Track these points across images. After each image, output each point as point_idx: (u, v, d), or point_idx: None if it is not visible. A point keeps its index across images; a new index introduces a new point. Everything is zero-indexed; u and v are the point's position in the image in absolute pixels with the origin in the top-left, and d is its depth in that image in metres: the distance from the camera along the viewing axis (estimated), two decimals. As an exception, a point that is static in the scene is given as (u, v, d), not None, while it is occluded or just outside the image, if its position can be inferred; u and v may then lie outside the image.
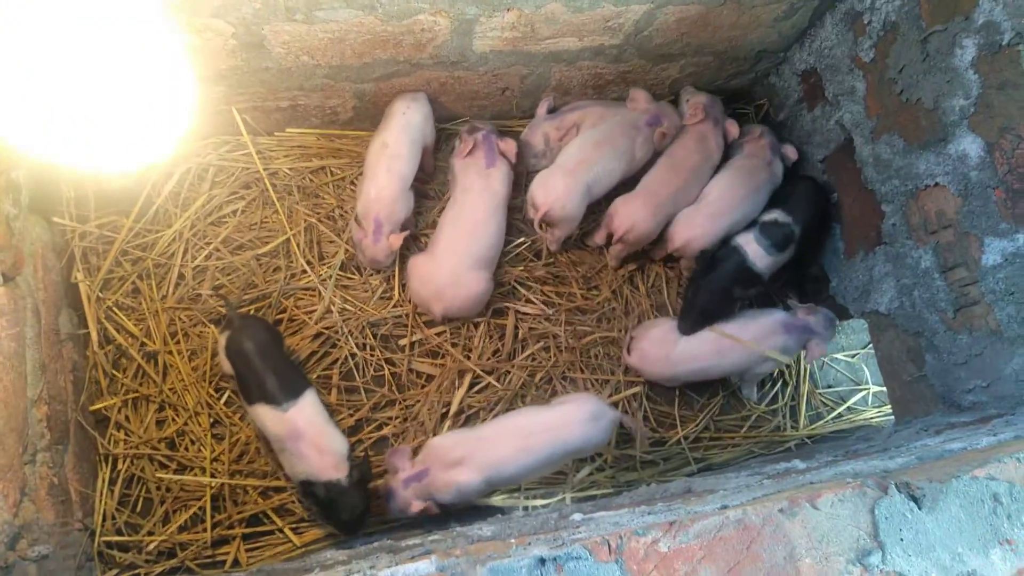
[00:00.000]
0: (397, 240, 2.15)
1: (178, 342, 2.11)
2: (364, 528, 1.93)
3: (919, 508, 0.88)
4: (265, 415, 1.86)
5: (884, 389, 2.31)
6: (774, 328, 2.22)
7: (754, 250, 2.21)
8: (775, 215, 2.26)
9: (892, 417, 2.27)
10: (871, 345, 2.26)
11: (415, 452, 1.98)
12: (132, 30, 1.27)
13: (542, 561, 0.82)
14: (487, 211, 2.19)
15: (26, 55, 1.21)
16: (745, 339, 2.20)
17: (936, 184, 1.91)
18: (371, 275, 2.29)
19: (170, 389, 2.06)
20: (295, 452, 1.83)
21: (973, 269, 1.83)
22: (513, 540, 1.00)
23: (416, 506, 1.85)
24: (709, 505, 0.93)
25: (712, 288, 2.20)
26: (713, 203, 2.29)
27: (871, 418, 2.48)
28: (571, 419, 1.92)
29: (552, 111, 2.43)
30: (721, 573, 0.81)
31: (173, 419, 2.05)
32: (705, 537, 0.83)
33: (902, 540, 0.86)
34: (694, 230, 2.27)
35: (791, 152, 2.40)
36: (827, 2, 2.17)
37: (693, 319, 2.22)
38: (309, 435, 1.84)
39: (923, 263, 1.99)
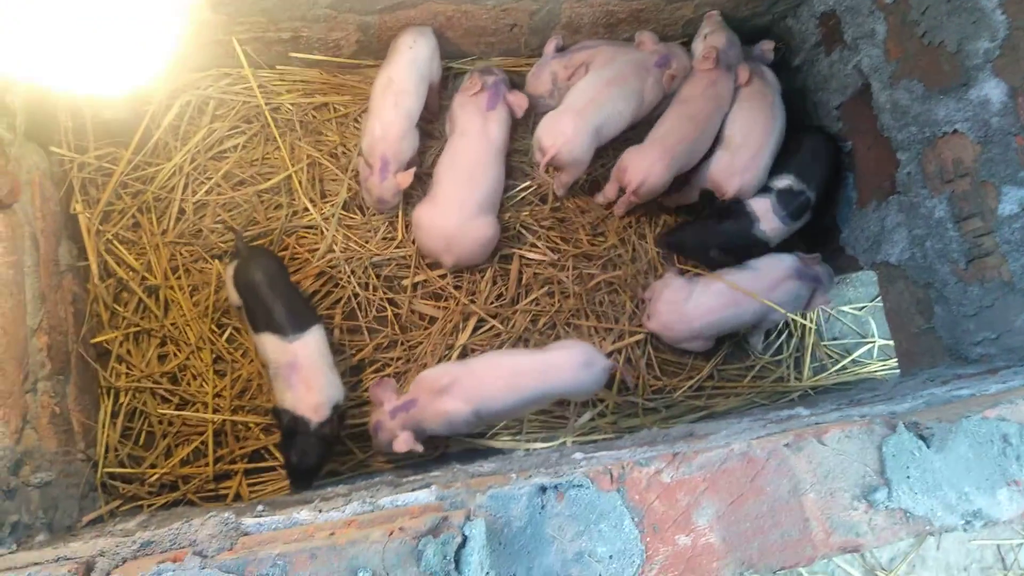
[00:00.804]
0: (405, 178, 2.10)
1: (179, 277, 2.09)
2: (307, 484, 1.86)
3: (927, 447, 0.87)
4: (269, 343, 1.85)
5: (890, 343, 2.30)
6: (787, 274, 2.19)
7: (769, 221, 2.20)
8: (789, 181, 2.21)
9: (898, 371, 2.26)
10: (879, 298, 2.23)
11: (402, 387, 1.97)
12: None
13: (543, 489, 0.81)
14: (484, 157, 2.15)
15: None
16: (759, 286, 2.16)
17: (955, 131, 1.85)
18: (374, 215, 2.26)
19: (172, 324, 2.05)
20: (287, 380, 1.82)
21: (988, 219, 1.79)
22: (514, 474, 1.00)
23: (402, 439, 1.81)
24: (713, 441, 0.91)
25: (707, 237, 2.24)
26: (746, 141, 2.22)
27: (876, 371, 2.47)
28: (563, 364, 1.91)
29: (560, 51, 2.36)
30: (723, 504, 0.80)
31: (175, 354, 2.05)
32: (708, 469, 0.82)
33: (909, 478, 0.85)
34: (743, 175, 2.21)
35: (767, 58, 2.40)
36: (852, -62, 2.08)
37: (668, 242, 2.32)
38: (305, 370, 1.82)
39: (937, 213, 1.95)
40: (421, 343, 2.20)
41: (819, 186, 2.22)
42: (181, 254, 2.11)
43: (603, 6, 2.26)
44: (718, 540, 0.79)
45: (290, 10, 2.04)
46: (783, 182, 2.21)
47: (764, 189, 2.23)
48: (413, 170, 2.14)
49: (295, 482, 1.87)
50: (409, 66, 2.12)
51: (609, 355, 2.26)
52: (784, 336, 2.47)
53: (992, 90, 1.74)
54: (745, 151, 2.22)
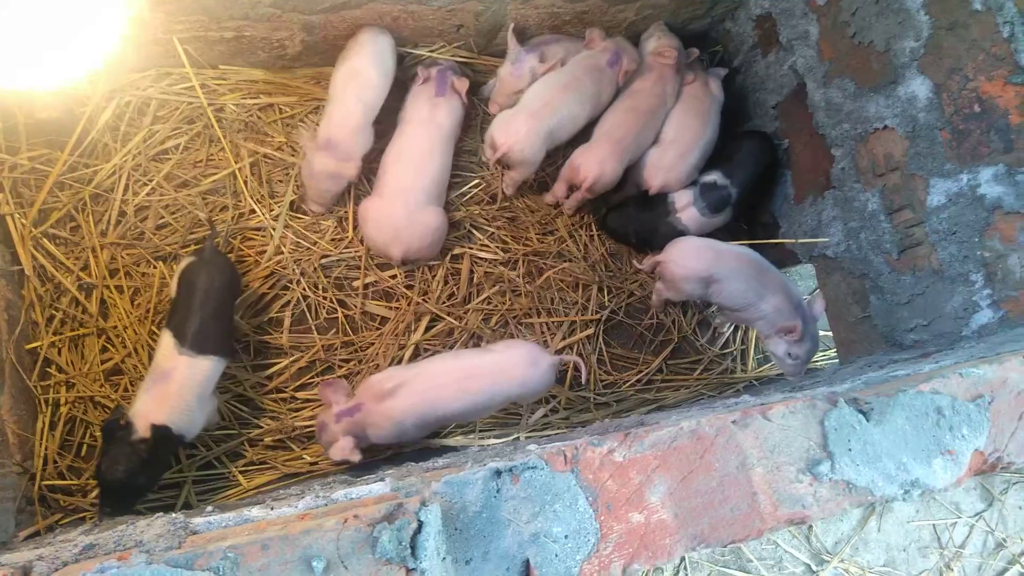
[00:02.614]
0: (351, 169, 2.08)
1: (120, 280, 2.03)
2: (116, 506, 1.69)
3: (867, 420, 0.90)
4: (164, 343, 1.76)
5: (830, 333, 2.38)
6: (793, 307, 2.10)
7: (687, 211, 2.26)
8: (714, 176, 2.29)
9: (837, 360, 2.34)
10: (817, 291, 2.31)
11: (353, 390, 1.94)
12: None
13: (498, 473, 0.82)
14: (430, 143, 2.15)
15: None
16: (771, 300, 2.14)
17: (885, 127, 1.94)
18: (322, 216, 2.23)
19: (112, 328, 1.99)
20: (150, 385, 1.72)
21: (918, 210, 1.88)
22: (469, 463, 1.00)
23: (339, 446, 1.78)
24: (663, 422, 0.94)
25: (628, 222, 2.33)
26: (676, 140, 2.30)
27: (816, 361, 2.55)
28: (510, 364, 1.90)
29: (521, 44, 2.35)
30: (675, 481, 0.82)
31: (117, 362, 1.99)
32: (660, 447, 0.84)
33: (850, 450, 0.88)
34: (667, 172, 2.28)
35: (719, 74, 2.46)
36: (785, -57, 2.16)
37: (600, 225, 2.40)
38: (172, 386, 1.71)
39: (870, 206, 2.03)
40: (373, 343, 2.18)
41: (744, 183, 2.29)
42: (122, 257, 2.05)
43: (548, 8, 2.29)
44: (670, 516, 0.81)
45: (232, 9, 2.01)
46: (709, 177, 2.30)
47: (692, 183, 2.31)
48: (359, 164, 2.11)
49: (103, 498, 1.69)
50: (375, 60, 2.11)
51: (560, 351, 2.29)
52: (730, 330, 2.53)
53: (919, 87, 1.82)
54: (674, 149, 2.30)
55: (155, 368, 1.75)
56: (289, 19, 2.10)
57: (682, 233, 2.25)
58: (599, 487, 0.80)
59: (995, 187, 1.67)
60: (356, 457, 1.80)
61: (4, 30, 1.20)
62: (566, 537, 0.77)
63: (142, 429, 1.66)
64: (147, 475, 1.70)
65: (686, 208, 2.25)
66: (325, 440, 1.86)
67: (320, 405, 2.05)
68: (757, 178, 2.34)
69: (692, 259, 2.14)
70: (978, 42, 1.66)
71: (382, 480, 1.01)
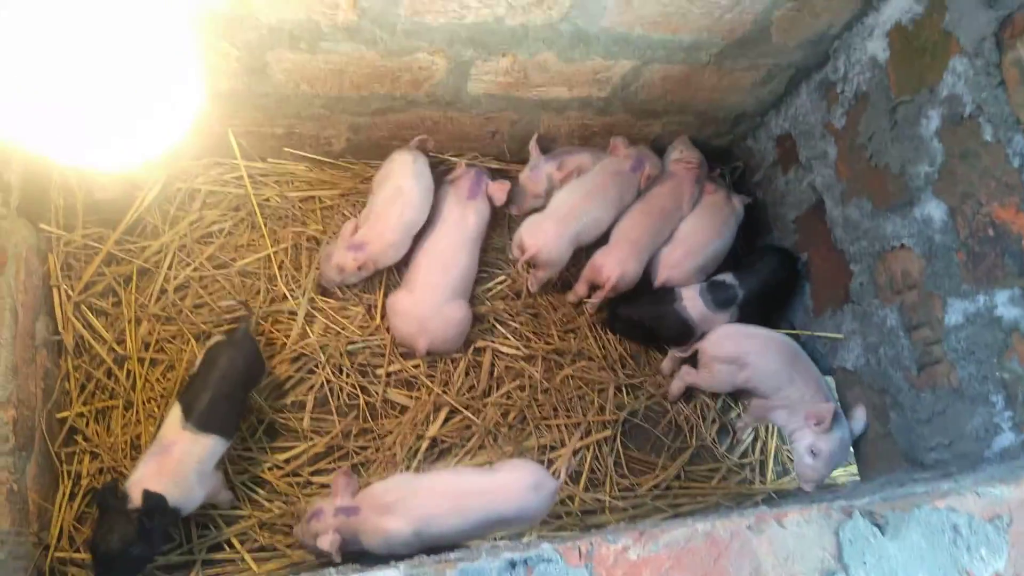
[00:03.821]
0: (368, 263, 2.16)
1: (153, 354, 2.10)
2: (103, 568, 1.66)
3: (882, 534, 0.91)
4: (171, 415, 1.79)
5: (850, 448, 2.36)
6: (823, 396, 2.16)
7: (693, 301, 2.32)
8: (725, 276, 2.38)
9: (857, 476, 2.31)
10: (861, 405, 2.29)
11: (365, 478, 1.94)
12: (146, 38, 1.32)
13: (512, 564, 0.83)
14: (458, 242, 2.25)
15: (29, 48, 1.24)
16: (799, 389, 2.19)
17: (902, 246, 2.00)
18: (352, 302, 2.30)
19: (139, 401, 2.04)
20: (150, 455, 1.74)
21: (936, 329, 1.90)
22: (483, 556, 1.01)
23: (328, 539, 1.75)
24: (678, 523, 0.95)
25: (635, 312, 2.37)
26: (685, 240, 2.40)
27: (836, 476, 2.51)
28: (511, 485, 1.87)
29: (545, 152, 2.49)
30: (689, 584, 0.83)
31: (140, 434, 2.02)
32: (674, 547, 0.85)
33: (865, 564, 0.89)
34: (672, 269, 2.36)
35: (744, 199, 2.56)
36: (802, 72, 2.29)
37: (609, 320, 2.43)
38: (172, 459, 1.73)
39: (889, 322, 2.06)
40: (391, 432, 2.20)
41: (752, 290, 2.35)
42: (158, 331, 2.12)
43: (578, 120, 2.43)
44: (683, 618, 0.82)
45: (286, 108, 2.16)
46: (720, 277, 2.38)
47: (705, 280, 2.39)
48: (374, 264, 2.19)
49: (98, 572, 1.65)
50: (416, 179, 2.22)
51: (577, 451, 2.29)
52: (750, 439, 2.51)
53: (934, 209, 1.89)
54: (682, 247, 2.40)
55: (159, 440, 1.78)
56: (337, 119, 2.25)
57: (687, 322, 2.31)
58: (613, 584, 0.81)
59: (1012, 310, 1.70)
60: (338, 558, 1.78)
61: (80, 113, 1.32)
62: (579, 633, 0.78)
63: (137, 498, 1.65)
64: (143, 546, 1.65)
65: (692, 298, 2.32)
66: (313, 527, 1.83)
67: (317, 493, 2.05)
68: (769, 290, 2.41)
69: (726, 339, 2.25)
70: (990, 170, 1.73)
71: (396, 568, 1.02)
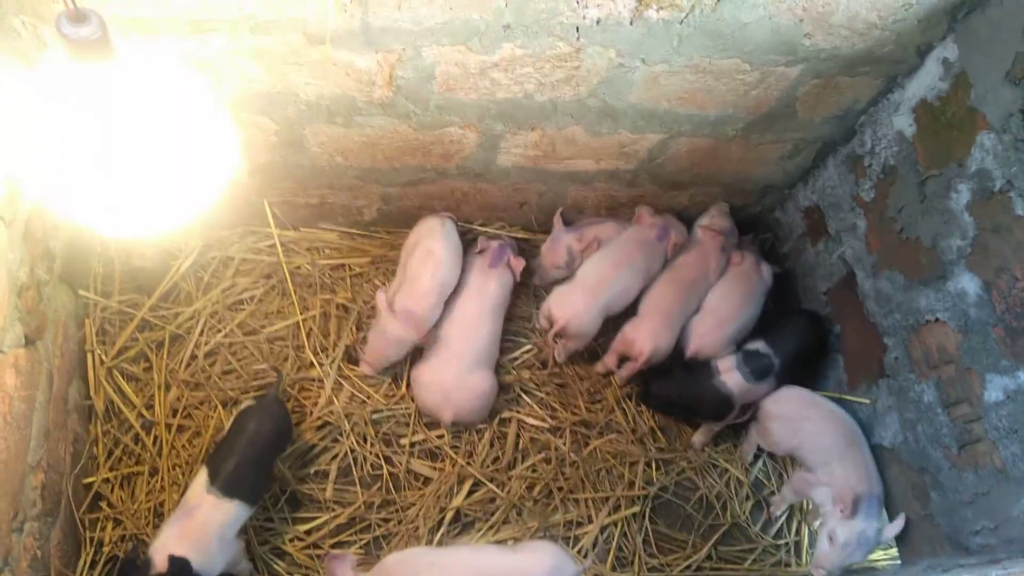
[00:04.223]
0: (424, 334, 2.15)
1: (180, 420, 2.11)
2: None
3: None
4: (199, 479, 1.80)
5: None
6: (865, 485, 2.09)
7: (730, 374, 2.27)
8: (758, 345, 2.33)
9: (899, 560, 2.21)
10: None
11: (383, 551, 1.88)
12: (188, 114, 1.38)
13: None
14: (481, 311, 2.26)
15: (77, 125, 1.30)
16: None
17: (936, 319, 1.96)
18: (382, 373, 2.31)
19: (165, 467, 2.04)
20: (174, 520, 1.74)
21: (976, 405, 1.85)
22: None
23: None
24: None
25: (671, 388, 2.32)
26: (716, 310, 2.38)
27: (877, 560, 2.40)
28: (530, 569, 1.83)
29: (567, 224, 2.53)
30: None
31: (167, 503, 2.02)
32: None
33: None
34: (702, 338, 2.33)
35: (773, 269, 2.54)
36: (829, 145, 2.31)
37: (644, 397, 2.39)
38: (195, 523, 1.73)
39: (926, 397, 2.01)
40: (414, 504, 2.17)
41: (787, 355, 2.31)
42: (187, 397, 2.14)
43: (605, 191, 2.46)
44: None
45: (320, 178, 2.23)
46: (752, 345, 2.34)
47: (736, 349, 2.35)
48: (432, 334, 2.19)
49: None
50: (447, 242, 2.26)
51: (605, 528, 2.23)
52: (785, 518, 2.42)
53: (968, 283, 1.86)
54: (712, 317, 2.37)
55: (183, 503, 1.79)
56: (369, 189, 2.31)
57: (727, 396, 2.25)
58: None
59: (1055, 386, 1.65)
60: None
61: (124, 185, 1.37)
62: None
63: (160, 563, 1.66)
64: None
65: (729, 371, 2.27)
66: None
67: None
68: (802, 353, 2.37)
69: (788, 401, 2.25)
70: (1023, 244, 1.71)
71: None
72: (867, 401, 2.23)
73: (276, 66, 1.75)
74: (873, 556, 2.37)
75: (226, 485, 1.78)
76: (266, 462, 1.92)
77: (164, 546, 1.69)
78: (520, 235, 2.58)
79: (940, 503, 1.96)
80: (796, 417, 2.22)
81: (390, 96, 1.89)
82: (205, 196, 1.57)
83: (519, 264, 2.38)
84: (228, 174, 1.58)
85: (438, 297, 2.21)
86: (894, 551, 2.31)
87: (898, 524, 2.04)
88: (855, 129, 2.22)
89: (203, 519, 1.74)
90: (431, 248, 2.24)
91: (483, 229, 2.53)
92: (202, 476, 1.80)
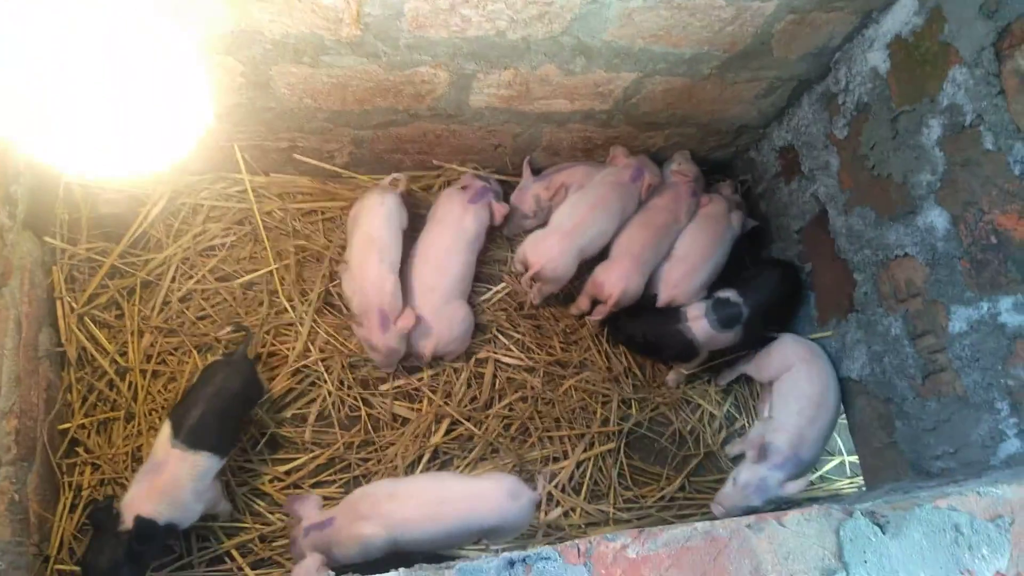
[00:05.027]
0: (407, 320, 2.11)
1: (155, 366, 2.10)
2: None
3: (883, 533, 0.90)
4: (162, 433, 1.77)
5: (856, 459, 2.34)
6: (794, 443, 2.14)
7: (698, 322, 2.29)
8: (729, 293, 2.35)
9: (865, 488, 2.29)
10: (843, 414, 2.29)
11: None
12: (154, 54, 1.34)
13: (511, 563, 0.83)
14: (454, 243, 2.26)
15: (39, 63, 1.26)
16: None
17: (905, 254, 1.99)
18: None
19: (141, 412, 2.04)
20: (141, 475, 1.74)
21: (941, 336, 1.89)
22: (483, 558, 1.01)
23: (309, 563, 1.73)
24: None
25: (640, 327, 2.35)
26: (686, 258, 2.39)
27: (843, 487, 2.49)
28: (488, 494, 1.86)
29: (536, 172, 2.51)
30: (688, 582, 0.82)
31: (142, 445, 2.02)
32: (673, 546, 0.84)
33: (866, 563, 0.88)
34: (675, 289, 2.35)
35: (748, 223, 2.55)
36: (804, 83, 2.30)
37: (613, 333, 2.41)
38: (164, 478, 1.71)
39: (893, 330, 2.05)
40: (392, 443, 2.20)
41: (756, 306, 2.32)
42: (160, 343, 2.13)
43: (580, 132, 2.44)
44: (682, 617, 0.81)
45: (289, 122, 2.18)
46: (724, 293, 2.34)
47: (706, 296, 2.37)
48: (412, 312, 2.14)
49: None
50: (386, 220, 2.19)
51: (580, 464, 2.28)
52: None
53: (936, 218, 1.88)
54: (681, 266, 2.38)
55: (151, 457, 1.77)
56: (340, 133, 2.27)
57: (691, 341, 2.29)
58: (611, 583, 0.81)
59: (1015, 316, 1.69)
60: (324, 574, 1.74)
61: (89, 125, 1.34)
62: (576, 631, 0.77)
63: (129, 520, 1.67)
64: (132, 567, 1.68)
65: (698, 319, 2.29)
66: (296, 555, 1.83)
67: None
68: (773, 305, 2.39)
69: (803, 344, 2.30)
70: (991, 179, 1.73)
71: (396, 572, 1.01)
72: (830, 333, 2.29)
73: (239, 2, 1.69)
74: (839, 484, 2.46)
75: (190, 437, 1.75)
76: (233, 415, 1.89)
77: (134, 502, 1.69)
78: (497, 178, 2.55)
79: (904, 431, 2.03)
80: (801, 357, 2.24)
81: (358, 34, 1.84)
82: (178, 139, 1.55)
83: (501, 209, 2.37)
84: (200, 118, 1.55)
85: (394, 279, 2.15)
86: (859, 479, 2.40)
87: (801, 483, 2.08)
88: (830, 66, 2.21)
89: (171, 473, 1.72)
90: (370, 234, 2.16)
91: (462, 169, 2.49)
92: (166, 430, 1.77)
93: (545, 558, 0.81)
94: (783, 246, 2.54)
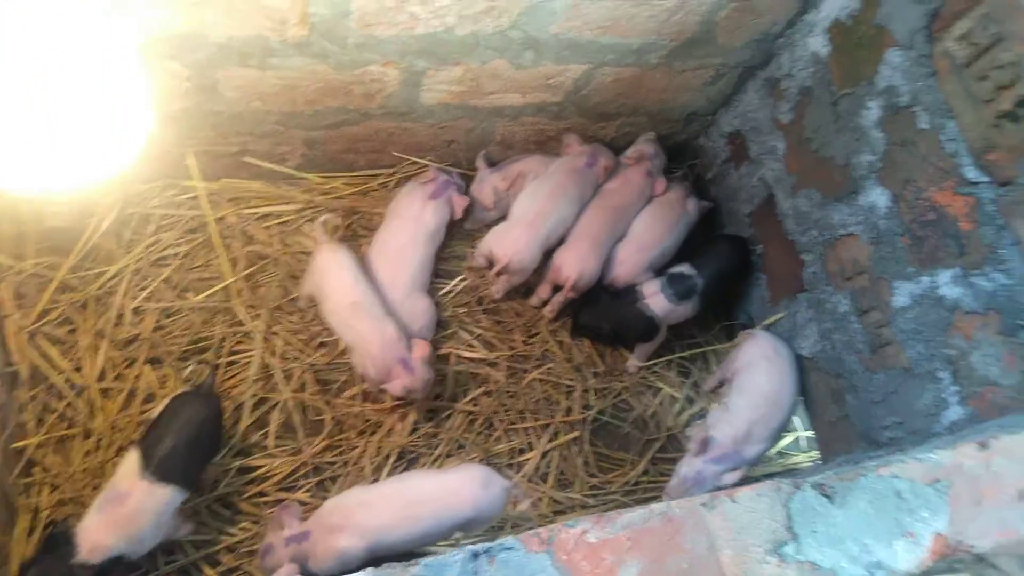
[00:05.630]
0: (424, 349, 2.08)
1: (111, 382, 2.07)
2: None
3: (831, 503, 0.94)
4: (128, 462, 1.72)
5: (812, 434, 2.41)
6: (738, 439, 2.16)
7: (655, 298, 2.34)
8: (683, 268, 2.40)
9: (821, 462, 2.36)
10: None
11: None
12: (94, 61, 1.32)
13: (475, 555, 0.85)
14: (412, 238, 2.26)
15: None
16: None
17: (850, 233, 2.06)
18: (312, 320, 2.29)
19: (98, 429, 2.01)
20: (103, 504, 1.68)
21: (885, 311, 1.97)
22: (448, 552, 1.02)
23: (287, 571, 1.72)
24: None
25: (600, 313, 2.38)
26: (637, 238, 2.44)
27: (800, 462, 2.56)
28: (460, 486, 1.87)
29: (492, 164, 2.53)
30: (647, 562, 0.85)
31: (104, 463, 1.99)
32: (632, 528, 0.87)
33: (815, 532, 0.92)
34: (620, 266, 2.40)
35: (704, 205, 2.60)
36: (749, 70, 2.35)
37: (574, 327, 2.44)
38: (127, 510, 1.66)
39: (841, 307, 2.12)
40: (357, 446, 2.19)
41: (710, 277, 2.39)
42: (114, 359, 2.10)
43: (533, 125, 2.46)
44: (643, 597, 0.84)
45: (239, 125, 2.16)
46: (678, 268, 2.40)
47: (661, 273, 2.42)
48: (421, 341, 2.11)
49: None
50: (352, 275, 2.12)
51: (546, 454, 2.31)
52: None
53: (878, 197, 1.95)
54: (632, 244, 2.43)
55: (113, 486, 1.71)
56: (292, 135, 2.25)
57: (652, 318, 2.33)
58: (573, 568, 0.83)
59: (954, 288, 1.77)
60: None
61: (29, 139, 1.31)
62: (540, 616, 0.79)
63: (86, 551, 1.61)
64: None
65: (654, 295, 2.34)
66: (269, 563, 1.82)
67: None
68: (726, 276, 2.46)
69: (770, 340, 2.30)
70: (927, 157, 1.80)
71: (364, 572, 1.03)
72: (783, 314, 2.37)
73: (183, 5, 1.67)
74: (796, 459, 2.53)
75: (160, 470, 1.70)
76: (201, 449, 1.84)
77: (92, 533, 1.64)
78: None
79: (855, 404, 2.10)
80: (765, 354, 2.25)
81: (305, 35, 1.84)
82: (122, 148, 1.52)
83: (462, 201, 2.37)
84: (143, 124, 1.53)
85: (391, 324, 2.09)
86: (815, 453, 2.48)
87: (737, 475, 2.13)
88: (773, 53, 2.27)
89: (135, 505, 1.67)
90: (353, 301, 2.08)
91: (423, 161, 2.48)
92: (133, 460, 1.72)
93: (508, 548, 0.83)
94: (734, 231, 2.60)
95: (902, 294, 1.91)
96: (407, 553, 1.93)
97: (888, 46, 1.87)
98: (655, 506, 0.89)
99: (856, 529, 0.92)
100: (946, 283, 1.78)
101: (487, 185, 2.47)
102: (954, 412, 1.78)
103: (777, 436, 2.25)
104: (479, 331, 2.43)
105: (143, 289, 2.19)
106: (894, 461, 1.00)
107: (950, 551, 0.94)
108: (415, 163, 2.49)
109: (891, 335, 1.94)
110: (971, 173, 1.69)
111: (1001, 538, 1.01)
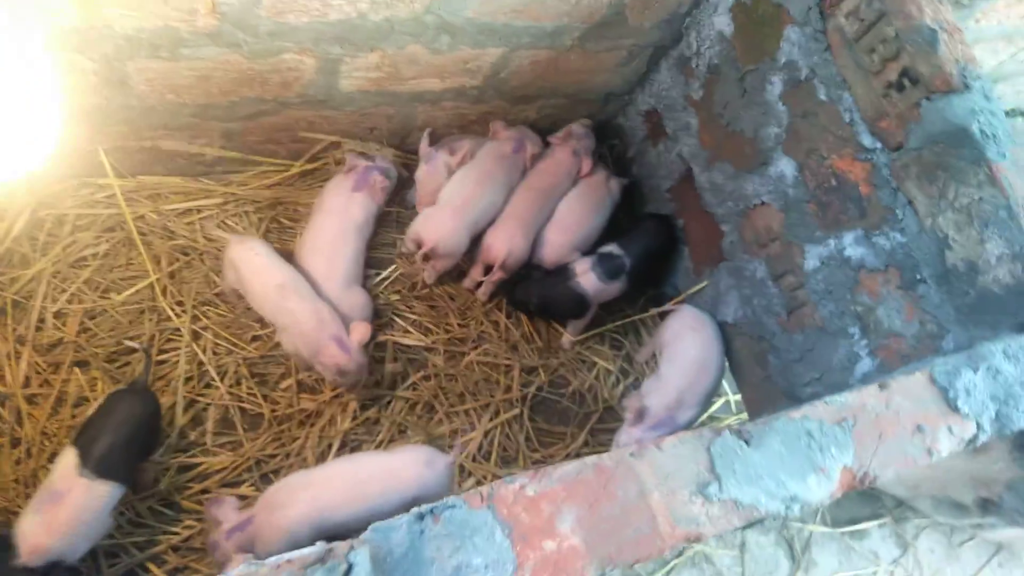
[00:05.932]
0: (363, 332, 2.08)
1: (37, 388, 2.01)
2: None
3: (748, 445, 1.02)
4: (65, 459, 1.69)
5: (739, 397, 2.54)
6: (671, 407, 2.25)
7: (586, 276, 2.42)
8: (611, 248, 2.49)
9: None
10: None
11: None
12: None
13: (420, 516, 0.88)
14: (341, 232, 2.25)
15: None
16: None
17: (762, 203, 2.17)
18: (244, 313, 2.27)
19: (28, 440, 1.95)
20: (40, 503, 1.66)
21: (798, 274, 2.09)
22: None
23: (237, 561, 1.74)
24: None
25: (532, 289, 2.44)
26: (561, 219, 2.51)
27: (728, 421, 2.69)
28: (404, 465, 1.91)
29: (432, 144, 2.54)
30: (582, 510, 0.90)
31: (38, 472, 1.93)
32: (566, 480, 0.92)
33: (735, 472, 0.99)
34: (544, 248, 2.47)
35: (622, 182, 2.68)
36: (661, 49, 2.44)
37: (511, 298, 2.50)
38: (65, 509, 1.64)
39: (758, 274, 2.24)
40: (298, 437, 2.19)
41: (637, 256, 2.48)
42: (39, 364, 2.03)
43: (454, 110, 2.49)
44: (580, 542, 0.89)
45: (153, 119, 2.11)
46: (606, 248, 2.49)
47: (590, 252, 2.50)
48: (366, 323, 2.12)
49: None
50: (271, 261, 2.12)
51: (488, 433, 2.36)
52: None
53: (785, 167, 2.06)
54: (557, 227, 2.50)
55: (49, 486, 1.68)
56: (209, 127, 2.21)
57: (582, 296, 2.40)
58: (514, 520, 0.88)
59: (857, 249, 1.89)
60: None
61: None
62: (486, 567, 0.83)
63: (25, 554, 1.60)
64: None
65: (585, 273, 2.41)
66: (219, 559, 1.83)
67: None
68: (652, 253, 2.55)
69: (696, 315, 2.40)
70: (827, 127, 1.92)
71: (313, 545, 1.05)
72: (705, 283, 2.48)
73: (82, -4, 1.62)
74: (727, 421, 2.66)
75: (99, 465, 1.68)
76: (137, 445, 1.83)
77: (30, 535, 1.62)
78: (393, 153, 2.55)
79: (776, 364, 2.23)
80: (691, 326, 2.36)
81: (216, 24, 1.81)
82: (29, 148, 1.48)
83: (383, 182, 2.37)
84: (50, 122, 1.49)
85: (320, 302, 2.10)
86: (744, 415, 2.61)
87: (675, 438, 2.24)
88: (682, 32, 2.35)
89: (74, 504, 1.65)
90: (278, 282, 2.08)
91: (354, 148, 2.45)
92: (70, 458, 1.69)
93: (451, 507, 0.87)
94: (656, 206, 2.70)
95: (812, 257, 2.03)
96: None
97: (786, 23, 1.97)
98: (588, 459, 0.95)
99: (772, 467, 1.00)
100: (850, 244, 1.91)
101: (440, 163, 2.45)
102: (865, 364, 1.91)
103: (708, 401, 2.36)
104: (414, 317, 2.45)
105: (63, 292, 2.13)
106: (805, 404, 1.08)
107: (856, 482, 1.04)
108: (336, 144, 2.45)
109: (805, 296, 2.07)
110: (867, 140, 1.81)
111: (901, 468, 1.11)
